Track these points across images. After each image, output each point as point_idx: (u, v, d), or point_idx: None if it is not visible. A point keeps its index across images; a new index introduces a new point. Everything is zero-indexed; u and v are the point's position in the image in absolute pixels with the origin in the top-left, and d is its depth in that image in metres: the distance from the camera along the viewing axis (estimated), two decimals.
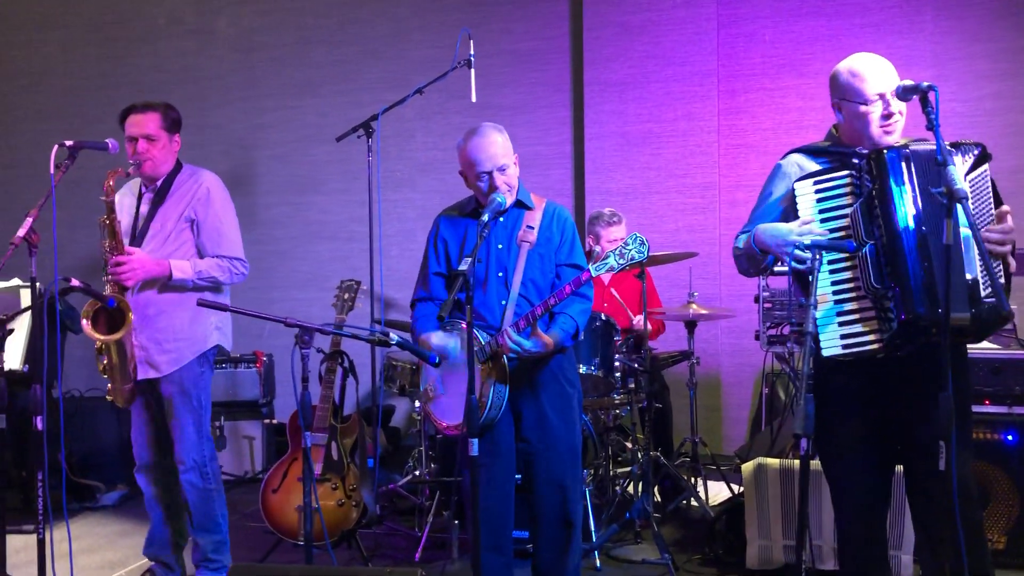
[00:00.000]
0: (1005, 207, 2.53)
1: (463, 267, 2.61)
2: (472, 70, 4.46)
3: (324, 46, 6.33)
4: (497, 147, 2.99)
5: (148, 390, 3.56)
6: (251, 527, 4.35)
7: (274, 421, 5.50)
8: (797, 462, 3.32)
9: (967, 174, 2.50)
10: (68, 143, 3.11)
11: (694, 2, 5.62)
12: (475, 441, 2.60)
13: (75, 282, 3.04)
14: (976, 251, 2.44)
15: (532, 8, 6.01)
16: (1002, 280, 2.51)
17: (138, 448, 3.63)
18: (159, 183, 3.57)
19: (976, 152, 2.54)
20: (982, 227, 2.49)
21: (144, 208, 3.57)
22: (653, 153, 5.72)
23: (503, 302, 3.00)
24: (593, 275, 2.84)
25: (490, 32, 5.94)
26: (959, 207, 2.30)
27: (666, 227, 5.66)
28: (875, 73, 2.60)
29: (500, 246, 3.06)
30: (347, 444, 3.94)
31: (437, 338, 3.00)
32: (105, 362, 3.43)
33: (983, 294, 2.45)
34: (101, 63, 6.66)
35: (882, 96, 2.59)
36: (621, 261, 2.82)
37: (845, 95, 2.63)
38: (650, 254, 4.14)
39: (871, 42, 5.31)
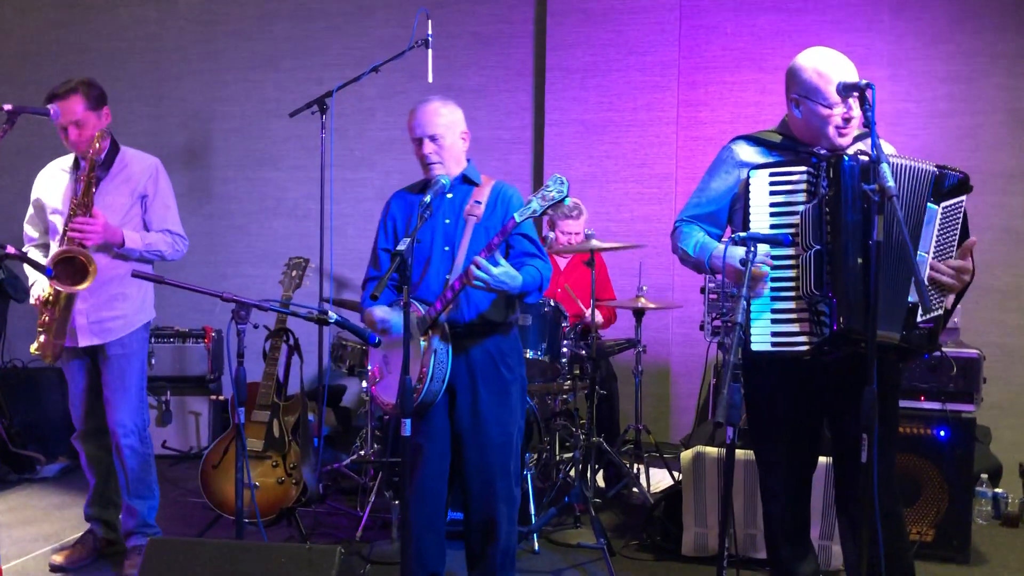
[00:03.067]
0: (971, 239, 2.52)
1: (401, 247, 2.60)
2: (430, 50, 4.43)
3: (286, 21, 6.26)
4: (432, 115, 3.00)
5: (87, 355, 3.59)
6: (192, 502, 4.33)
7: (221, 397, 5.47)
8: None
9: (942, 200, 2.49)
10: (7, 107, 3.07)
11: None
12: (408, 421, 2.60)
13: (10, 249, 2.99)
14: (923, 276, 2.45)
15: None
16: (940, 312, 2.52)
17: (80, 413, 3.65)
18: (100, 157, 3.54)
19: (957, 179, 2.52)
20: (944, 256, 2.50)
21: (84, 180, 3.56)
22: (612, 142, 5.73)
23: (447, 276, 2.98)
24: (518, 221, 2.79)
25: (454, 13, 5.91)
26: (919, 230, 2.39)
27: (622, 216, 5.69)
28: (842, 76, 2.55)
29: (447, 221, 3.04)
30: (289, 422, 3.92)
31: (380, 311, 2.98)
32: (46, 317, 3.43)
33: (919, 319, 2.47)
34: (58, 29, 6.53)
35: (844, 99, 2.57)
36: (543, 203, 2.76)
37: (808, 94, 2.59)
38: (602, 244, 4.23)
39: (829, 39, 5.34)
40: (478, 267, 2.74)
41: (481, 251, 2.82)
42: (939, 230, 2.49)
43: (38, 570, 3.66)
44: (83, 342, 3.51)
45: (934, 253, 2.49)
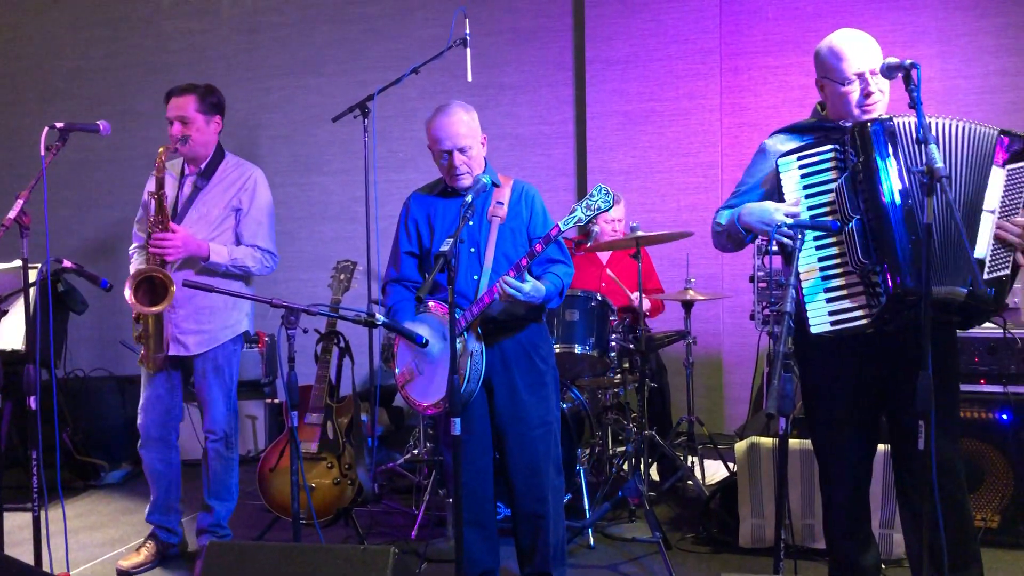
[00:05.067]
0: None
1: (444, 248, 2.61)
2: (468, 49, 4.44)
3: (327, 25, 6.33)
4: (459, 127, 3.02)
5: (172, 364, 3.67)
6: (250, 505, 4.40)
7: (276, 400, 5.55)
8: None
9: (1006, 163, 2.46)
10: (58, 125, 3.15)
11: None
12: (457, 420, 2.62)
13: (67, 263, 3.07)
14: (990, 234, 2.43)
15: None
16: (1007, 272, 2.48)
17: (146, 421, 3.72)
18: (203, 166, 3.68)
19: (1020, 144, 2.48)
20: (1010, 216, 2.46)
21: (186, 189, 3.67)
22: (655, 132, 5.69)
23: (475, 276, 3.03)
24: (562, 229, 2.83)
25: (493, 10, 5.92)
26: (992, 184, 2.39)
27: (667, 206, 5.64)
28: (855, 52, 2.56)
29: (471, 223, 3.08)
30: (343, 423, 3.97)
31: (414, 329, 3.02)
32: (140, 330, 3.53)
33: (985, 276, 2.43)
34: (108, 43, 6.67)
35: (861, 76, 2.56)
36: (588, 212, 2.80)
37: (827, 74, 2.62)
38: (648, 233, 4.20)
39: (875, 18, 5.25)
40: (508, 285, 2.82)
41: (510, 270, 2.87)
42: (1004, 192, 2.46)
43: (105, 574, 3.75)
44: (171, 351, 3.61)
45: (1000, 213, 2.46)
